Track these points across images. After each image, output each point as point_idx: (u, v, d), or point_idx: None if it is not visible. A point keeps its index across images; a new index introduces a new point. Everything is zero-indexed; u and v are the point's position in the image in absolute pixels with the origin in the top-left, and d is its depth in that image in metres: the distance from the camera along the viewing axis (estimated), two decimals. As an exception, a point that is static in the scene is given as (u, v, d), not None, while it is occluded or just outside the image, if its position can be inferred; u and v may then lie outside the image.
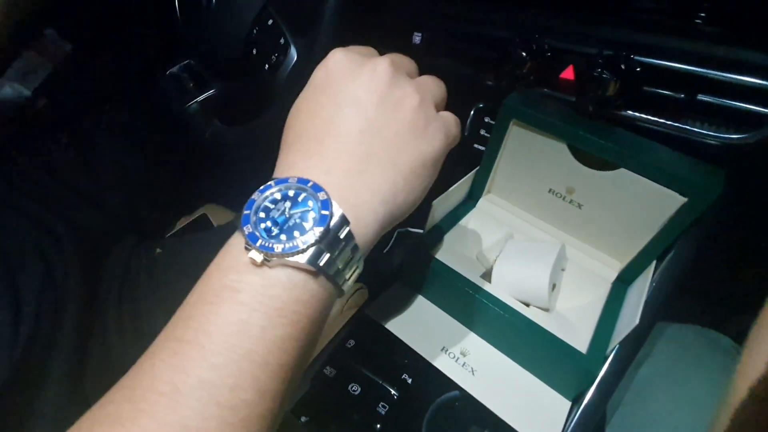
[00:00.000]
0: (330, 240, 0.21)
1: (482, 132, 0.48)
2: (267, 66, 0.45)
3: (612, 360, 0.33)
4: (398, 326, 0.39)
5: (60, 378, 0.41)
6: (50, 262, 0.45)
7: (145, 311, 0.48)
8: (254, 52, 0.46)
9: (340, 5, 0.41)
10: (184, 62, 0.55)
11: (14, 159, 0.54)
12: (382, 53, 0.28)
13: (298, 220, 0.21)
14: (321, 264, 0.20)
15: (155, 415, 0.17)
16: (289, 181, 0.22)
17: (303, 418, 0.34)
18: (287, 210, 0.21)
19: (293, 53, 0.43)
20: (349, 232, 0.21)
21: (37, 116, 0.60)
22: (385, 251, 0.66)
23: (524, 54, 0.38)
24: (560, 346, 0.34)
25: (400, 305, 0.41)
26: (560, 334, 0.34)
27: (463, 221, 0.45)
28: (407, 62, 0.28)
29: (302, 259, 0.20)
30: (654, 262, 0.37)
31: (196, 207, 0.71)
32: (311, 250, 0.20)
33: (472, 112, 0.49)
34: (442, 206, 0.41)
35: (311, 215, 0.21)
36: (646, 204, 0.35)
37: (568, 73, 0.38)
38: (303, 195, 0.22)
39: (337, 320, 0.47)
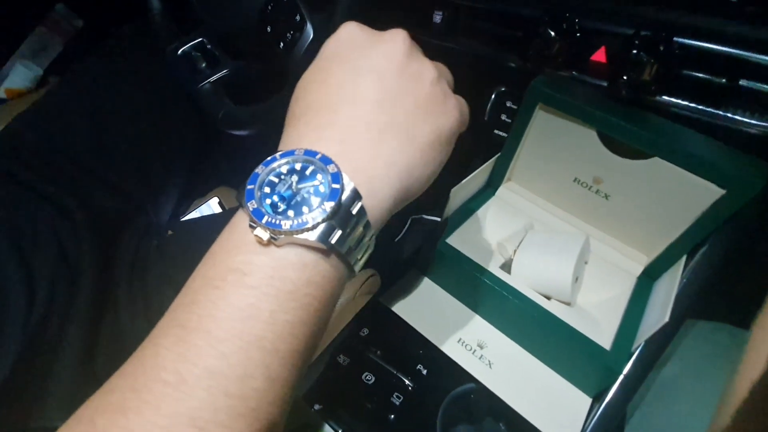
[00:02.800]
0: (342, 216, 0.19)
1: (503, 117, 0.47)
2: (281, 44, 0.43)
3: (637, 358, 0.32)
4: (413, 316, 0.38)
5: (72, 356, 0.41)
6: (64, 243, 0.45)
7: (156, 292, 0.48)
8: (268, 29, 0.44)
9: (358, -20, 0.39)
10: (197, 40, 0.54)
11: (30, 140, 0.53)
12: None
13: (306, 195, 0.20)
14: (332, 242, 0.19)
15: (160, 407, 0.16)
16: (296, 153, 0.20)
17: (316, 406, 0.34)
18: (294, 184, 0.20)
19: (309, 30, 0.41)
20: (362, 207, 0.20)
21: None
22: (397, 239, 0.65)
23: (553, 34, 0.36)
24: (582, 342, 0.33)
25: (415, 294, 0.40)
26: (583, 330, 0.33)
27: (482, 210, 0.43)
28: (417, 45, 0.27)
29: (312, 236, 0.19)
30: (684, 257, 0.35)
31: (209, 189, 0.71)
32: (322, 227, 0.19)
33: (493, 96, 0.47)
34: (460, 194, 0.40)
35: (321, 189, 0.20)
36: (679, 196, 0.33)
37: (600, 56, 0.36)
38: (311, 168, 0.20)
39: (349, 307, 0.47)
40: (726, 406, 0.17)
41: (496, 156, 0.43)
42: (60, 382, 0.40)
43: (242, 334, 0.18)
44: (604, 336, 0.34)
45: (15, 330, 0.38)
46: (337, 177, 0.19)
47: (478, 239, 0.41)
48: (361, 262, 0.22)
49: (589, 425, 0.32)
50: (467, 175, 0.40)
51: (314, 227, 0.19)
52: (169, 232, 0.54)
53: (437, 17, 0.47)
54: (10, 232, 0.42)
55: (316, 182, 0.20)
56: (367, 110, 0.22)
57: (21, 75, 0.69)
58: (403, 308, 0.39)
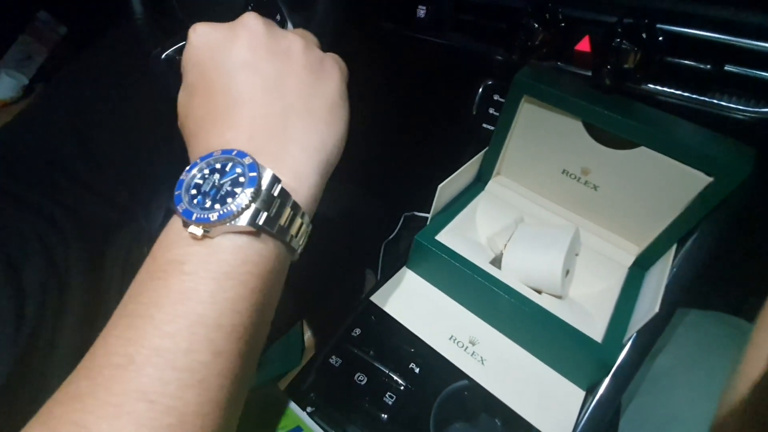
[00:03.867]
0: (263, 199, 0.21)
1: (491, 111, 0.46)
2: (264, 45, 0.42)
3: (629, 349, 0.32)
4: (405, 314, 0.38)
5: (64, 365, 0.41)
6: (53, 253, 0.45)
7: None
8: (250, 30, 0.43)
9: (338, -24, 0.38)
10: (180, 44, 0.53)
11: (16, 150, 0.53)
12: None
13: (229, 188, 0.21)
14: (260, 223, 0.20)
15: (112, 387, 0.17)
16: (214, 154, 0.22)
17: (308, 409, 0.33)
18: (217, 181, 0.21)
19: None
20: (282, 189, 0.21)
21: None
22: (391, 236, 0.64)
23: (536, 25, 0.36)
24: (574, 335, 0.33)
25: (406, 292, 0.40)
26: (574, 323, 0.33)
27: (472, 205, 0.43)
28: (269, 20, 0.27)
29: (240, 221, 0.20)
30: (674, 246, 0.35)
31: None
32: (248, 212, 0.20)
33: (480, 90, 0.47)
34: (448, 189, 0.40)
35: (240, 180, 0.21)
36: (667, 184, 0.33)
37: (584, 45, 0.35)
38: (230, 164, 0.22)
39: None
40: (727, 405, 0.17)
41: (485, 150, 0.43)
42: (53, 390, 0.40)
43: (185, 314, 0.19)
44: (596, 328, 0.33)
45: (5, 341, 0.38)
46: (253, 166, 0.21)
47: (469, 235, 0.41)
48: (300, 241, 0.23)
49: (583, 418, 0.32)
50: (456, 170, 0.39)
51: (240, 213, 0.20)
52: (160, 238, 0.53)
53: (421, 12, 0.46)
54: (-2, 242, 0.42)
55: (235, 175, 0.21)
56: (259, 104, 0.23)
57: (6, 85, 0.68)
58: (394, 307, 0.39)
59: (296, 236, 0.23)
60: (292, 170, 0.22)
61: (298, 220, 0.23)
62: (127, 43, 0.63)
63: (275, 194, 0.21)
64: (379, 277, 0.44)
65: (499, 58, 0.42)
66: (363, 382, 0.35)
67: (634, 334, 0.31)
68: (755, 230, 0.36)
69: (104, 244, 0.51)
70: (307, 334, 0.61)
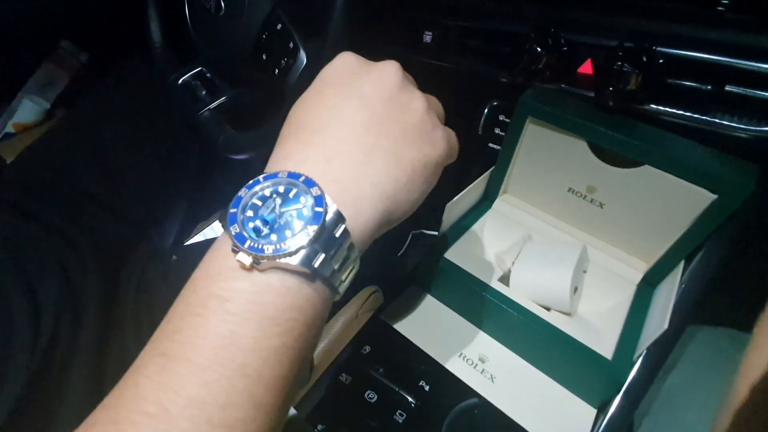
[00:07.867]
0: (325, 239, 0.19)
1: (497, 131, 0.47)
2: (276, 71, 0.44)
3: (640, 366, 0.31)
4: (414, 332, 0.38)
5: (80, 383, 0.42)
6: (69, 271, 0.46)
7: (162, 318, 0.48)
8: (264, 57, 0.46)
9: (348, 6, 0.40)
10: (196, 70, 0.56)
11: (37, 171, 0.55)
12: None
13: (289, 218, 0.19)
14: (316, 266, 0.19)
15: None
16: (279, 175, 0.20)
17: (319, 427, 0.34)
18: (277, 207, 0.20)
19: (302, 57, 0.42)
20: (345, 229, 0.20)
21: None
22: (400, 254, 0.65)
23: (540, 49, 0.37)
24: (584, 352, 0.33)
25: (416, 310, 0.40)
26: (583, 340, 0.33)
27: (479, 223, 0.44)
28: (411, 77, 0.28)
29: (295, 260, 0.18)
30: (682, 263, 0.35)
31: (212, 213, 0.72)
32: (305, 251, 0.18)
33: (486, 111, 0.48)
34: (456, 208, 0.40)
35: (304, 212, 0.19)
36: (672, 202, 0.33)
37: (587, 68, 0.36)
38: (294, 191, 0.20)
39: (352, 325, 0.47)
40: (727, 406, 0.17)
41: (491, 169, 0.44)
42: (68, 409, 0.40)
43: (225, 361, 0.17)
44: (605, 345, 0.33)
45: (21, 359, 0.38)
46: (320, 200, 0.19)
47: (477, 252, 0.41)
48: (346, 284, 0.22)
49: (594, 437, 0.31)
50: (463, 189, 0.40)
51: (297, 251, 0.18)
52: (174, 257, 0.54)
53: (427, 37, 0.48)
54: (16, 261, 0.43)
55: (299, 205, 0.20)
56: (355, 132, 0.22)
57: (29, 109, 0.71)
58: (403, 325, 0.39)
59: (344, 280, 0.21)
60: (354, 206, 0.21)
61: (351, 265, 0.21)
62: (145, 69, 0.65)
63: (337, 235, 0.19)
64: (387, 295, 0.44)
65: (504, 80, 0.43)
66: (373, 400, 0.35)
67: (645, 351, 0.31)
68: (761, 245, 0.36)
69: (119, 263, 0.52)
70: (317, 352, 0.61)
